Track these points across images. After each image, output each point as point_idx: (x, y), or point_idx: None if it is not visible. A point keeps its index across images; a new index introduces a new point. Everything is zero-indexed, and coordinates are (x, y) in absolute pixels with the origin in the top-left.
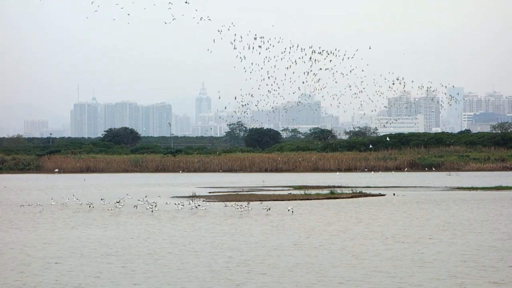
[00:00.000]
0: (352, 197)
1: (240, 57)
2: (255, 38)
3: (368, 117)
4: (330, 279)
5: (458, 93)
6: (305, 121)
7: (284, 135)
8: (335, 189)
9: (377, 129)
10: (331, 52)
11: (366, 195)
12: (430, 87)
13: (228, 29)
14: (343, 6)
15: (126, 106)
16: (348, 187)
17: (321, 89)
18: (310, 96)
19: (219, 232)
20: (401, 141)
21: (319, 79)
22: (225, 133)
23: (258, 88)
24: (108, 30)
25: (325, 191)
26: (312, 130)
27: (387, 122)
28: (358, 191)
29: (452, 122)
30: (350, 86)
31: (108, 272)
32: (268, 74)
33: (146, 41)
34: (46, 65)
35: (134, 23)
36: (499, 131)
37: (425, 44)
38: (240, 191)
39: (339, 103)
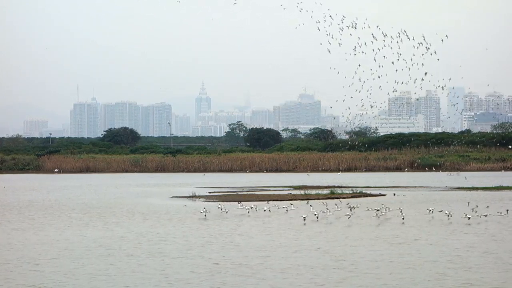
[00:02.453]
0: (352, 197)
1: (330, 41)
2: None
3: (367, 117)
4: None
5: (461, 97)
6: (305, 121)
7: (284, 135)
8: (335, 189)
9: (377, 129)
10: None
11: (366, 195)
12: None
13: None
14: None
15: (126, 106)
16: (348, 187)
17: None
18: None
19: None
20: (401, 141)
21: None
22: (225, 133)
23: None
24: (108, 30)
25: (325, 191)
26: (312, 130)
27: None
28: (358, 191)
29: (452, 122)
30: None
31: None
32: (357, 72)
33: (146, 41)
34: (46, 65)
35: (134, 23)
36: (500, 131)
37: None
38: (240, 191)
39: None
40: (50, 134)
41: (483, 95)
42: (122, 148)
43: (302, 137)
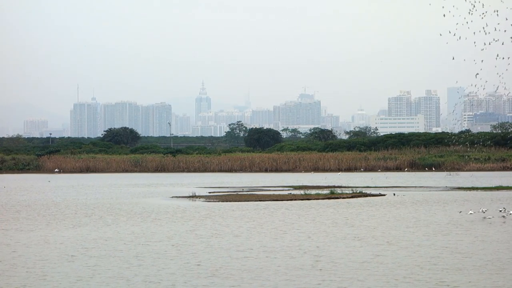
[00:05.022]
0: (352, 197)
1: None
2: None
3: (367, 117)
4: None
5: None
6: (305, 121)
7: (284, 135)
8: (335, 189)
9: (377, 129)
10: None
11: (366, 195)
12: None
13: None
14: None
15: (126, 106)
16: (348, 187)
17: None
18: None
19: None
20: (401, 141)
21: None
22: (225, 133)
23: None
24: (108, 30)
25: (325, 191)
26: (312, 130)
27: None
28: (358, 191)
29: (452, 122)
30: None
31: None
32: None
33: (146, 41)
34: (46, 65)
35: (134, 23)
36: (500, 131)
37: (424, 43)
38: (240, 191)
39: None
40: (50, 134)
41: (483, 95)
42: (122, 148)
43: (302, 137)
